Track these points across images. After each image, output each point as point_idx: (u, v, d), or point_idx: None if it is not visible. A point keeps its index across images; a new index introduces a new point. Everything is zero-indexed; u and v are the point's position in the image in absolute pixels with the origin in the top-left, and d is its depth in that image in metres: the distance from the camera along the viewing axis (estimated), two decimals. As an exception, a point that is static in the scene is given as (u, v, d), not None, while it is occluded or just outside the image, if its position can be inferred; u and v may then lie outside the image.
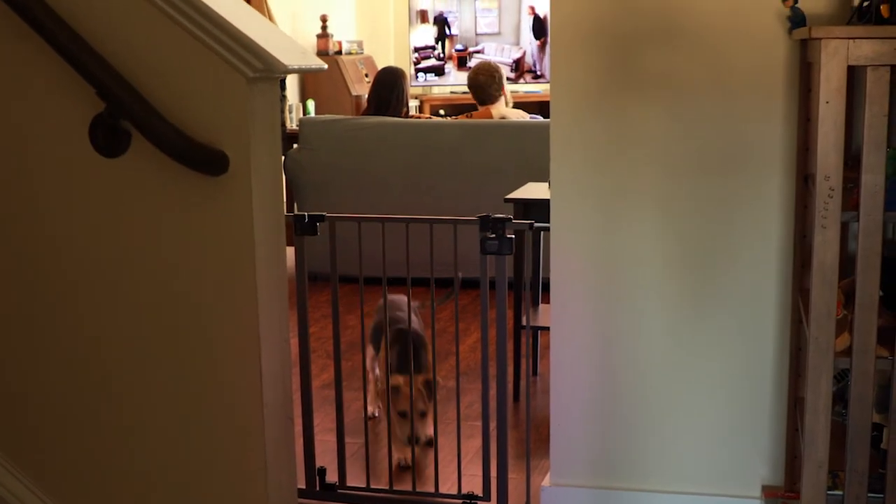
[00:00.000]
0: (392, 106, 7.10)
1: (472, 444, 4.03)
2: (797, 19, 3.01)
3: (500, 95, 7.05)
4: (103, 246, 2.59)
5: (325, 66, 2.74)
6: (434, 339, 3.72)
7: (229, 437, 2.60)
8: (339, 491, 3.77)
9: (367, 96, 7.56)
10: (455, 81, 10.66)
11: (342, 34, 10.37)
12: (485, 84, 7.00)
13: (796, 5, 2.99)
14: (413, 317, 3.96)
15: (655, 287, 3.30)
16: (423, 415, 3.96)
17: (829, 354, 2.69)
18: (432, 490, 3.74)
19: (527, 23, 10.48)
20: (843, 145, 2.60)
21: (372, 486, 3.77)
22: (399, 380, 3.94)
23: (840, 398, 3.10)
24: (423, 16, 10.69)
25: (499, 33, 10.67)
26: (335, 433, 3.78)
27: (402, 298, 4.14)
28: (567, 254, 3.33)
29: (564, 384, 3.40)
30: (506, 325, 3.50)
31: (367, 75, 9.84)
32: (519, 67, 10.63)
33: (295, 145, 7.03)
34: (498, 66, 7.18)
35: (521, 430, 4.26)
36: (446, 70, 10.74)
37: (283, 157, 2.79)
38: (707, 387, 3.32)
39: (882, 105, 2.55)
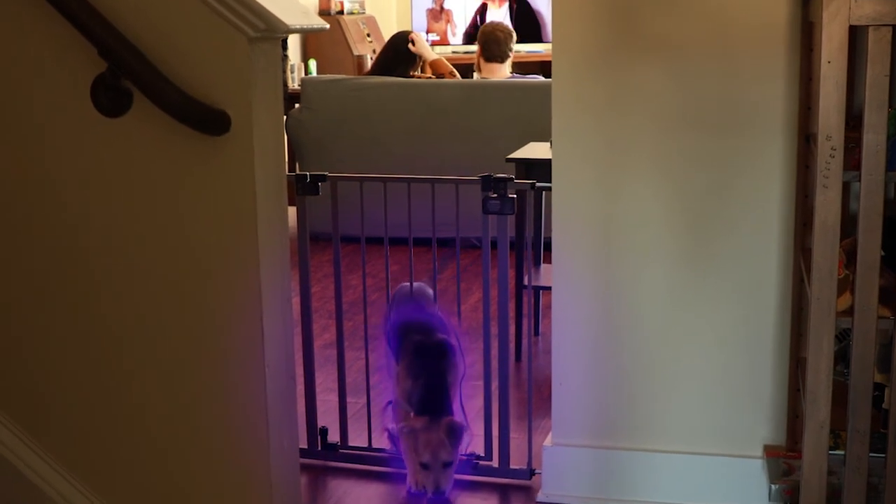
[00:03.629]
0: (398, 72, 7.14)
1: (474, 405, 4.04)
2: (800, -22, 3.00)
3: (510, 56, 7.06)
4: (104, 205, 2.58)
5: (327, 26, 2.74)
6: (436, 298, 3.72)
7: (231, 398, 2.60)
8: (341, 451, 3.79)
9: (372, 56, 7.59)
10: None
11: (344, -7, 10.33)
12: (503, 41, 7.00)
13: (799, -36, 2.98)
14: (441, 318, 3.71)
15: (657, 247, 3.29)
16: (447, 465, 3.45)
17: (831, 314, 2.69)
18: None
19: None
20: (845, 105, 2.60)
21: (374, 446, 3.79)
22: (417, 424, 3.50)
23: (842, 358, 3.10)
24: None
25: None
26: (337, 393, 3.80)
27: (420, 288, 3.83)
28: (569, 213, 3.33)
29: (566, 344, 3.41)
30: (507, 285, 3.51)
31: (368, 35, 9.80)
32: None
33: (297, 105, 7.03)
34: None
35: (522, 390, 4.27)
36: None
37: (284, 117, 2.78)
38: (708, 347, 3.32)
39: (884, 65, 2.55)
